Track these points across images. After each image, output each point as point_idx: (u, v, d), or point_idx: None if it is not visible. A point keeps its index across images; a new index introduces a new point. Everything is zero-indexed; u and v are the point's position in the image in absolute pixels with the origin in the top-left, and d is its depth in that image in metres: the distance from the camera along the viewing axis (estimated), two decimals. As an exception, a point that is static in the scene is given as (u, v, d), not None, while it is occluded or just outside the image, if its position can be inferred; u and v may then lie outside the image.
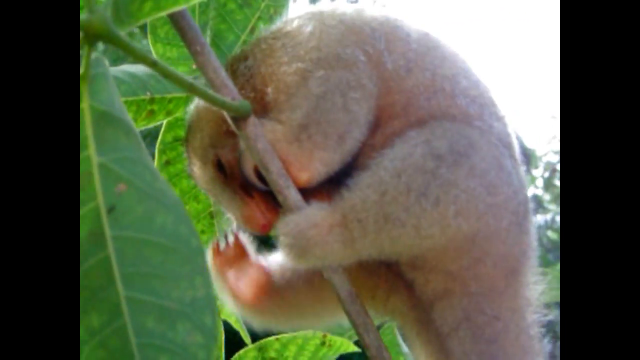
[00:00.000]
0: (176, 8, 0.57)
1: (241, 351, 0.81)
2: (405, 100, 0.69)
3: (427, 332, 0.71)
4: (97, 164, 0.50)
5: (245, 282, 0.76)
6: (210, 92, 0.61)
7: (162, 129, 0.85)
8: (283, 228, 0.66)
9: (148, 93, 0.79)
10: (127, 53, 0.50)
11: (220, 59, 0.82)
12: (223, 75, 0.66)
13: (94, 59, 0.49)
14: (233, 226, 0.81)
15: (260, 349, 0.81)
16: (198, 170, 0.77)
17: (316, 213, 0.66)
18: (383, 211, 0.64)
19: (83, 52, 0.47)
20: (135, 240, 0.51)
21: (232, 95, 0.65)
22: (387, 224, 0.64)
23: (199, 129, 0.76)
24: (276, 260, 0.79)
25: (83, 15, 0.46)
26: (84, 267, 0.49)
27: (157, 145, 0.86)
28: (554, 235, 8.35)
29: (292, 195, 0.67)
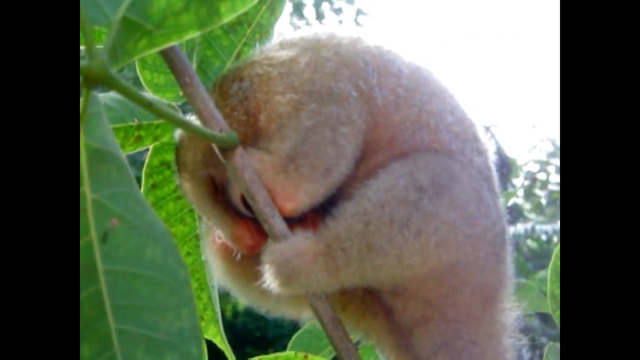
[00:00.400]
0: (169, 44, 0.59)
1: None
2: (390, 135, 0.71)
3: (406, 356, 0.74)
4: (90, 200, 0.52)
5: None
6: (200, 127, 0.63)
7: (149, 154, 0.87)
8: (269, 256, 0.68)
9: (135, 120, 0.81)
10: (123, 95, 0.51)
11: (207, 85, 0.85)
12: (211, 106, 0.68)
13: (90, 99, 0.51)
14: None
15: (242, 369, 0.82)
16: (188, 185, 0.78)
17: (301, 242, 0.68)
18: (367, 241, 0.66)
19: (82, 94, 0.49)
20: (126, 274, 0.52)
21: (219, 126, 0.67)
22: (371, 253, 0.66)
23: (192, 145, 0.77)
24: None
25: (84, 61, 0.48)
26: (76, 299, 0.51)
27: (144, 169, 0.87)
28: (533, 244, 8.43)
29: (278, 224, 0.69)
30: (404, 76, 0.73)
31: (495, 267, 0.72)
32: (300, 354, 0.85)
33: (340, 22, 11.54)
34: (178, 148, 0.79)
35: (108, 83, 0.50)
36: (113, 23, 0.51)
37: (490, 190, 0.73)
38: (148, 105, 0.53)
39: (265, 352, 0.88)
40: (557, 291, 1.11)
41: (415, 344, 0.71)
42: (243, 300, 0.79)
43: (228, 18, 0.60)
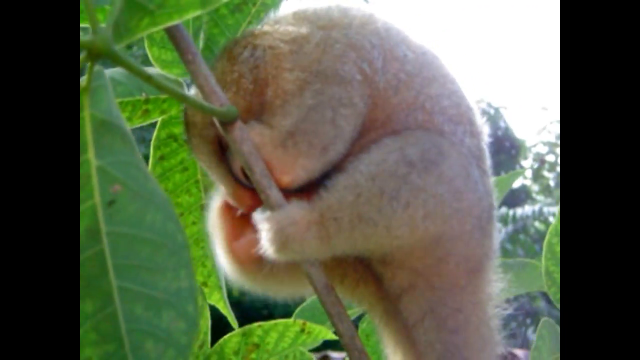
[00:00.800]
0: (171, 23, 0.62)
1: (226, 336, 0.87)
2: (386, 115, 0.75)
3: (395, 322, 0.77)
4: (95, 167, 0.56)
5: (242, 243, 0.79)
6: (199, 100, 0.67)
7: (157, 126, 0.90)
8: (265, 224, 0.72)
9: (143, 94, 0.85)
10: (125, 68, 0.55)
11: (212, 62, 0.88)
12: (212, 82, 0.71)
13: (95, 72, 0.54)
14: None
15: (244, 335, 0.86)
16: (196, 142, 0.81)
17: (296, 211, 0.71)
18: (357, 211, 0.69)
19: (86, 67, 0.53)
20: (128, 236, 0.56)
21: (220, 101, 0.71)
22: (361, 223, 0.69)
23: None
24: None
25: (87, 36, 0.52)
26: (80, 258, 0.55)
27: (152, 142, 0.91)
28: (541, 226, 8.42)
29: (274, 195, 0.72)
30: (408, 61, 0.76)
31: (481, 240, 0.75)
32: (299, 321, 0.89)
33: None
34: (187, 109, 0.81)
35: (111, 57, 0.53)
36: (116, 1, 0.55)
37: (480, 168, 0.76)
38: (147, 78, 0.57)
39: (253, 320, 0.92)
40: (552, 268, 1.14)
41: (403, 310, 0.75)
42: (245, 284, 0.82)
43: (227, -2, 0.63)
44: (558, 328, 1.10)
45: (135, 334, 0.56)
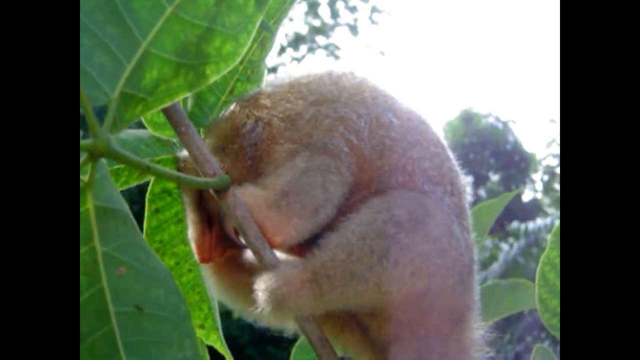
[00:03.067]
0: (163, 106, 0.67)
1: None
2: (370, 177, 0.79)
3: None
4: (101, 253, 0.60)
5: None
6: (193, 178, 0.71)
7: (151, 182, 0.94)
8: (261, 284, 0.75)
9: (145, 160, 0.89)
10: (124, 164, 0.60)
11: (203, 119, 0.92)
12: (205, 151, 0.76)
13: (96, 166, 0.59)
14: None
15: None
16: (182, 191, 0.87)
17: (289, 271, 0.75)
18: (349, 269, 0.73)
19: (87, 167, 0.57)
20: (134, 314, 0.61)
21: (213, 169, 0.75)
22: (353, 280, 0.73)
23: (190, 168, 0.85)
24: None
25: (89, 140, 0.57)
26: (92, 338, 0.60)
27: (147, 196, 0.95)
28: (554, 239, 8.43)
29: (268, 255, 0.76)
30: (393, 128, 0.81)
31: (462, 293, 0.79)
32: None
33: (355, 20, 11.50)
34: (179, 159, 0.87)
35: (111, 157, 0.58)
36: (112, 100, 0.59)
37: (461, 225, 0.81)
38: (146, 168, 0.61)
39: (286, 350, 0.96)
40: (545, 295, 1.17)
41: (391, 359, 0.79)
42: (234, 308, 0.87)
43: (214, 78, 0.68)
44: (552, 354, 1.13)
45: (147, 406, 0.60)
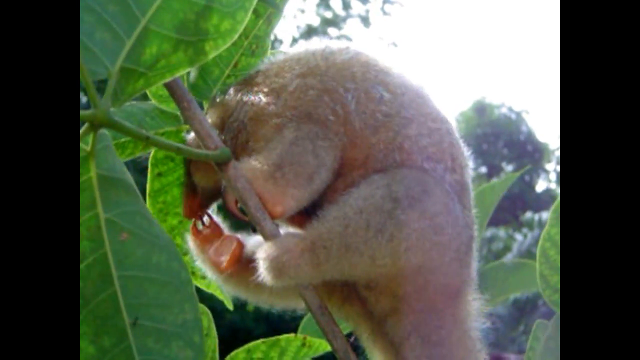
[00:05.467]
0: (164, 81, 0.69)
1: (232, 353, 0.94)
2: (365, 155, 0.80)
3: (382, 340, 0.84)
4: (104, 220, 0.63)
5: (222, 253, 0.87)
6: (195, 150, 0.74)
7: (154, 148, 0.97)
8: (262, 253, 0.78)
9: (144, 131, 0.91)
10: (124, 135, 0.62)
11: (206, 92, 0.95)
12: (207, 126, 0.78)
13: (99, 136, 0.62)
14: (209, 210, 0.93)
15: (249, 351, 0.94)
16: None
17: (289, 240, 0.78)
18: (345, 241, 0.76)
19: (89, 137, 0.60)
20: (137, 278, 0.64)
21: (215, 143, 0.78)
22: (348, 252, 0.76)
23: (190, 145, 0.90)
24: (251, 241, 0.89)
25: (89, 110, 0.59)
26: (96, 300, 0.63)
27: (150, 160, 0.97)
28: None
29: (268, 226, 0.79)
30: (385, 102, 0.81)
31: (459, 270, 0.80)
32: (300, 336, 0.96)
33: (367, 11, 11.47)
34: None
35: (111, 127, 0.61)
36: (113, 74, 0.62)
37: (461, 202, 0.82)
38: (145, 139, 0.64)
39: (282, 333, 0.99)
40: (546, 271, 1.19)
41: (389, 330, 0.81)
42: (240, 295, 0.90)
43: (213, 54, 0.70)
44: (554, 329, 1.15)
45: (149, 364, 0.63)
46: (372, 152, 0.80)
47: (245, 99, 0.85)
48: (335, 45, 0.86)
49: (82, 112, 0.60)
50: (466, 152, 0.87)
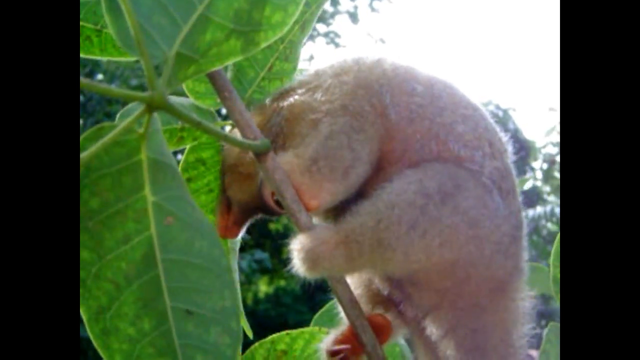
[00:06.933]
0: (214, 69, 0.70)
1: (256, 344, 0.94)
2: (403, 147, 0.81)
3: (423, 338, 0.84)
4: (151, 202, 0.64)
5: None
6: (237, 138, 0.75)
7: (186, 151, 0.97)
8: (297, 245, 0.79)
9: (179, 122, 0.92)
10: (178, 118, 0.63)
11: (241, 92, 0.96)
12: (247, 117, 0.79)
13: (152, 120, 0.62)
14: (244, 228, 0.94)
15: (273, 342, 0.94)
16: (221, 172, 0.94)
17: (324, 232, 0.79)
18: (377, 236, 0.76)
19: (144, 118, 0.61)
20: (179, 262, 0.64)
21: (254, 134, 0.78)
22: (380, 247, 0.76)
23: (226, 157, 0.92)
24: None
25: (147, 92, 0.60)
26: (139, 282, 0.63)
27: (180, 164, 0.98)
28: (553, 227, 8.44)
29: (304, 218, 0.80)
30: (417, 94, 0.83)
31: (503, 262, 0.80)
32: (324, 329, 0.96)
33: (356, 7, 11.45)
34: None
35: (167, 110, 0.61)
36: (169, 58, 0.63)
37: (502, 190, 0.81)
38: (197, 124, 0.64)
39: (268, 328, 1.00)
40: (557, 273, 1.20)
41: (428, 330, 0.82)
42: None
43: (263, 45, 0.71)
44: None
45: (187, 349, 0.64)
46: (409, 144, 0.81)
47: (281, 104, 0.87)
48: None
49: (140, 94, 0.60)
50: (503, 137, 0.87)
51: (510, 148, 0.87)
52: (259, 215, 0.92)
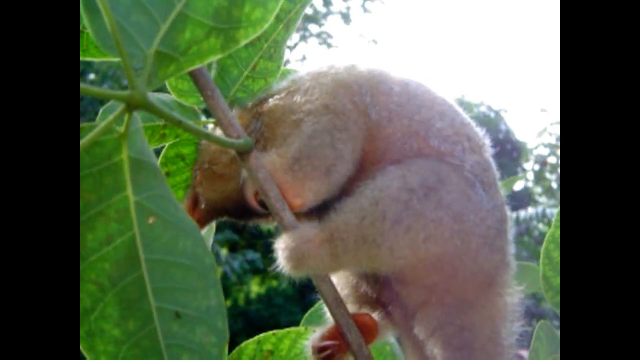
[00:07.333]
0: (194, 67, 0.69)
1: (242, 344, 0.94)
2: (385, 146, 0.81)
3: (412, 338, 0.84)
4: (133, 202, 0.63)
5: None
6: (220, 137, 0.74)
7: (167, 146, 0.97)
8: (281, 244, 0.79)
9: (162, 120, 0.92)
10: (159, 117, 0.62)
11: (225, 90, 0.95)
12: (230, 116, 0.79)
13: (132, 120, 0.62)
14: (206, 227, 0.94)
15: (259, 343, 0.94)
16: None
17: (309, 231, 0.78)
18: (362, 233, 0.76)
19: (124, 118, 0.60)
20: (163, 262, 0.64)
21: (237, 133, 0.78)
22: (365, 244, 0.76)
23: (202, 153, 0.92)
24: None
25: (126, 92, 0.60)
26: (123, 283, 0.63)
27: (160, 159, 0.97)
28: (545, 228, 8.50)
29: (288, 217, 0.79)
30: (395, 94, 0.83)
31: (490, 255, 0.80)
32: (310, 329, 0.96)
33: (348, 8, 11.50)
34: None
35: (147, 109, 0.61)
36: (149, 57, 0.62)
37: (484, 184, 0.81)
38: (179, 123, 0.64)
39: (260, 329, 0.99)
40: (549, 273, 1.20)
41: (416, 326, 0.81)
42: None
43: (244, 43, 0.70)
44: (555, 330, 1.15)
45: (173, 349, 0.63)
46: (390, 143, 0.81)
47: (260, 110, 0.87)
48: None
49: (119, 93, 0.60)
50: (480, 131, 0.87)
51: (487, 142, 0.87)
52: (224, 218, 0.92)
